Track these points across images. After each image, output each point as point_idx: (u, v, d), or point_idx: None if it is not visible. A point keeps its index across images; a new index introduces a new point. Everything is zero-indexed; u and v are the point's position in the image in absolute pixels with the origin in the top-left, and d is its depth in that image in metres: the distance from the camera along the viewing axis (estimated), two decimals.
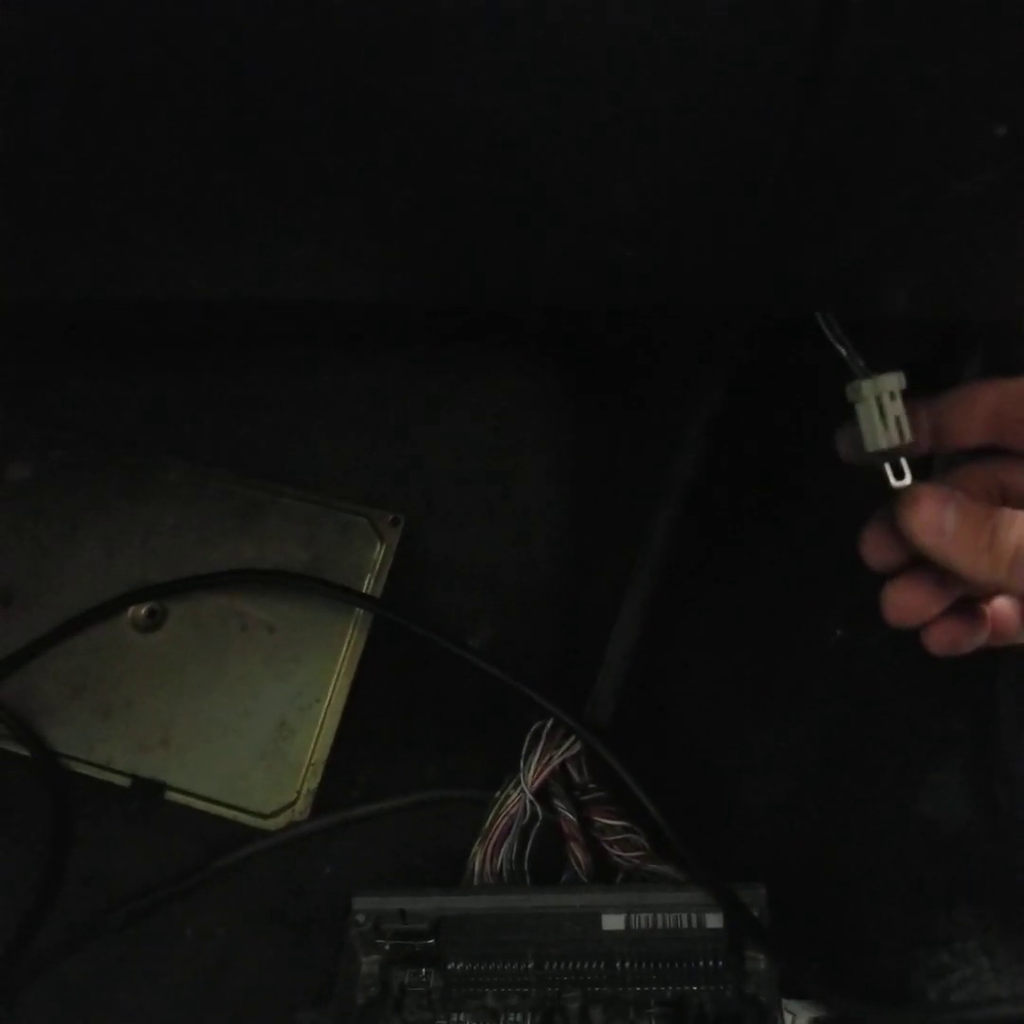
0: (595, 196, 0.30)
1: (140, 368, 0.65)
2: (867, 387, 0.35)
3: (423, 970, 0.49)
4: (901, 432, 0.35)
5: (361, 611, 0.60)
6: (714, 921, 0.47)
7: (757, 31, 0.25)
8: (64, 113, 0.28)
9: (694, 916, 0.48)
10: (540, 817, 0.52)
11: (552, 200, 0.30)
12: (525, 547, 0.64)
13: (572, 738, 0.53)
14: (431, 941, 0.49)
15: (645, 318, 0.55)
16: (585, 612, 0.61)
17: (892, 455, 0.36)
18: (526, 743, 0.53)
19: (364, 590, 0.61)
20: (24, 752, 0.58)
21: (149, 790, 0.57)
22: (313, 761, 0.58)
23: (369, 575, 0.62)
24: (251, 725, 0.59)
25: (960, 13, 0.23)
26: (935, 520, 0.35)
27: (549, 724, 0.53)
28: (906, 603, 0.38)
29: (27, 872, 0.55)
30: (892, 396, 0.35)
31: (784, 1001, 0.44)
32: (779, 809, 0.49)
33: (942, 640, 0.39)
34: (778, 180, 0.28)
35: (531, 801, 0.52)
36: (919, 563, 0.38)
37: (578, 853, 0.51)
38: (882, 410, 0.35)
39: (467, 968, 0.49)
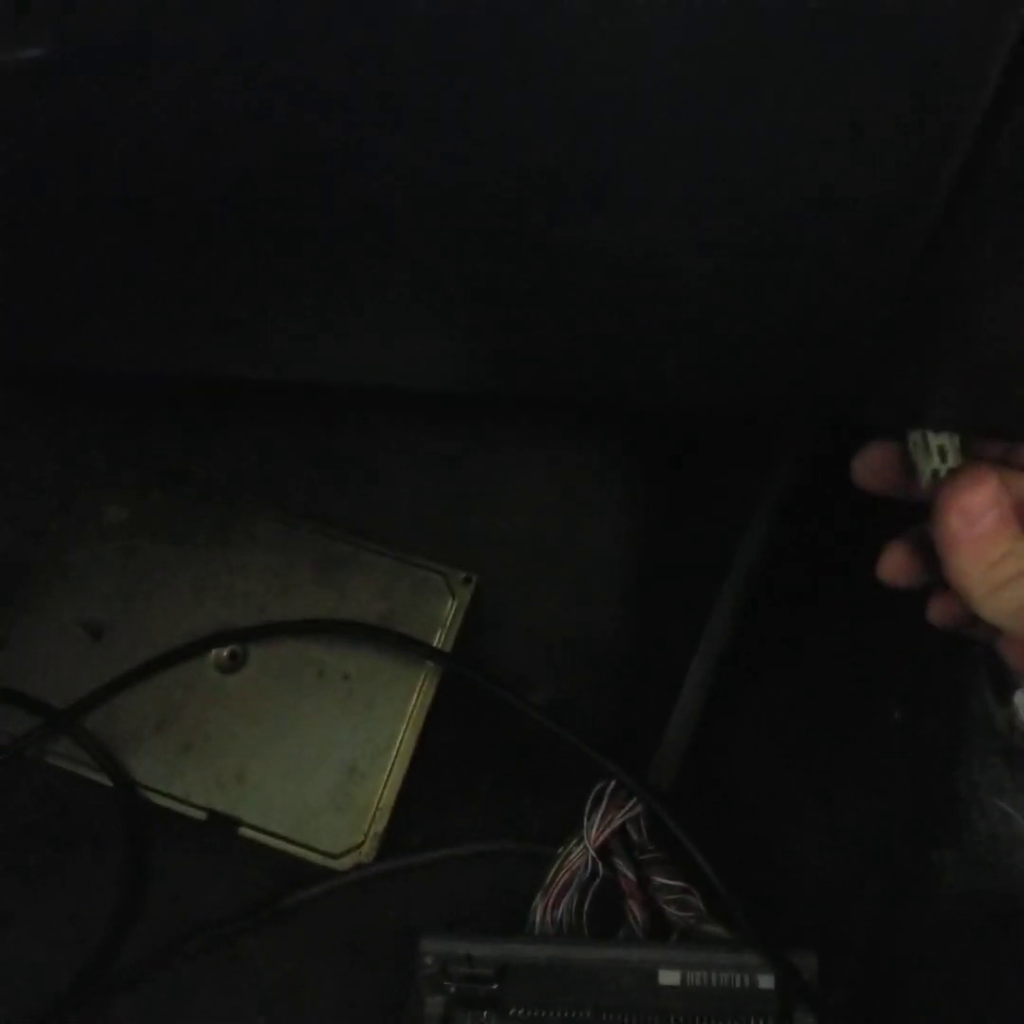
0: (714, 318, 0.33)
1: (236, 419, 0.69)
2: (913, 432, 0.37)
3: (485, 1013, 0.52)
4: (944, 457, 0.36)
5: (432, 664, 0.64)
6: (766, 982, 0.50)
7: (891, 173, 0.28)
8: (188, 201, 0.31)
9: (747, 977, 0.50)
10: (600, 874, 0.55)
11: (673, 321, 0.33)
12: (591, 611, 0.67)
13: (634, 800, 0.55)
14: (495, 986, 0.51)
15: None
16: (646, 677, 0.64)
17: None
18: (589, 802, 0.56)
19: (435, 644, 0.64)
20: (107, 782, 0.61)
21: (224, 825, 0.60)
22: (380, 805, 0.61)
23: (440, 630, 0.65)
24: (323, 768, 0.62)
25: None
26: (978, 508, 0.34)
27: (612, 785, 0.56)
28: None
29: (105, 898, 0.58)
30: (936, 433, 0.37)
31: None
32: (832, 882, 0.52)
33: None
34: (894, 313, 0.32)
35: (593, 858, 0.55)
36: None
37: (636, 910, 0.54)
38: (927, 443, 0.37)
39: (528, 1014, 0.51)
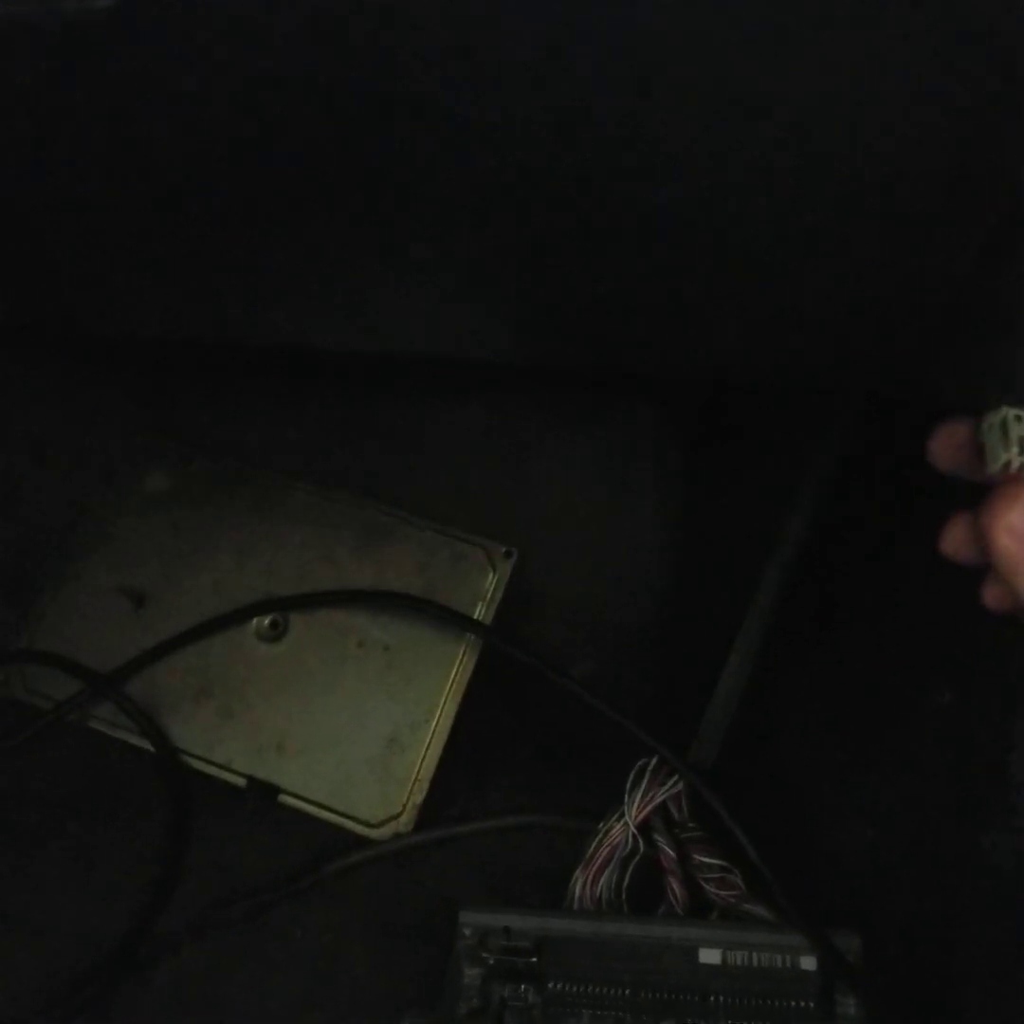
0: (784, 296, 0.33)
1: (278, 391, 0.68)
2: (992, 414, 0.35)
3: (523, 986, 0.52)
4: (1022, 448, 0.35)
5: (472, 637, 0.63)
6: (808, 964, 0.50)
7: (955, 167, 0.27)
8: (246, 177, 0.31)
9: (788, 957, 0.50)
10: (641, 850, 0.54)
11: (745, 297, 0.33)
12: (631, 586, 0.66)
13: (675, 777, 0.55)
14: (534, 959, 0.51)
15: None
16: (688, 654, 0.64)
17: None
18: (631, 778, 0.56)
19: (475, 617, 0.64)
20: (148, 747, 0.61)
21: (264, 792, 0.61)
22: (419, 777, 0.61)
23: (480, 603, 0.65)
24: (363, 737, 0.62)
25: None
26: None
27: (654, 762, 0.56)
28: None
29: (147, 863, 0.59)
30: (1019, 418, 0.35)
31: None
32: (876, 864, 0.51)
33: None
34: (956, 297, 0.31)
35: (634, 834, 0.54)
36: None
37: (676, 887, 0.54)
38: (1006, 430, 0.35)
39: (566, 988, 0.51)
